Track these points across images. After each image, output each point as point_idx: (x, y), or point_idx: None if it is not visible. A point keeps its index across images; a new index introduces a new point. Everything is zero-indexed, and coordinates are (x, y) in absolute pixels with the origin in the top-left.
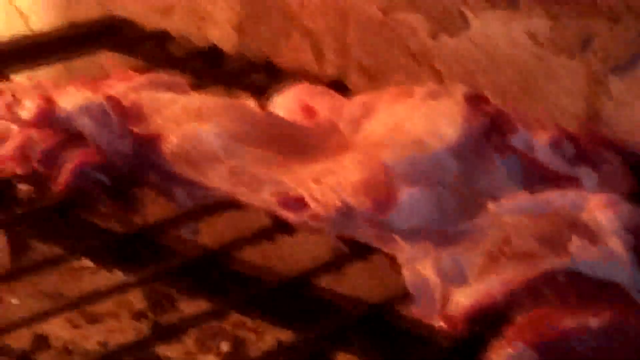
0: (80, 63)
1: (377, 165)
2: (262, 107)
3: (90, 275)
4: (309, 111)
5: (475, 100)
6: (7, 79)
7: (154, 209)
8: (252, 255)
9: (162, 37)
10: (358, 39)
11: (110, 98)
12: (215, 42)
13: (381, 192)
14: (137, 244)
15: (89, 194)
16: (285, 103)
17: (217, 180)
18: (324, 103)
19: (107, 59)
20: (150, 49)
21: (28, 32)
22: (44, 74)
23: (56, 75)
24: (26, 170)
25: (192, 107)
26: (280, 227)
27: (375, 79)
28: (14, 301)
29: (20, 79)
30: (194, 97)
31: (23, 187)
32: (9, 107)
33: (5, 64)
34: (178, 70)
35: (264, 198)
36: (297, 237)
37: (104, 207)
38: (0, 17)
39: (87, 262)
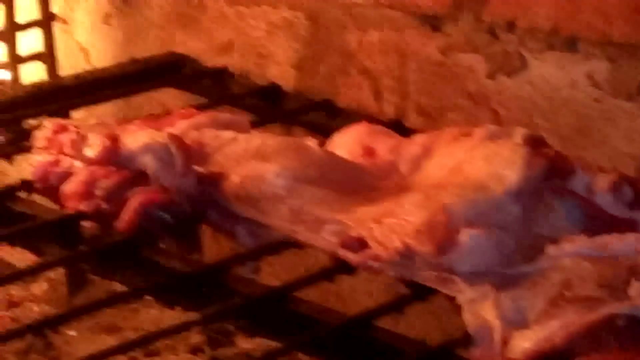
0: (141, 99)
1: (438, 207)
2: (322, 145)
3: (147, 309)
4: (368, 151)
5: (534, 142)
6: (68, 115)
7: (215, 247)
8: (312, 294)
9: (221, 74)
10: (416, 79)
11: (173, 137)
12: (275, 80)
13: (442, 234)
14: (198, 282)
15: (151, 232)
16: (345, 142)
17: (278, 219)
18: (384, 143)
19: (167, 95)
20: (210, 85)
21: (89, 68)
22: (105, 109)
23: (117, 111)
24: (90, 208)
25: (253, 146)
26: (340, 267)
27: (433, 118)
28: (72, 333)
29: (82, 114)
30: (255, 136)
31: (87, 224)
32: (74, 144)
33: (67, 100)
34: (237, 107)
35: (325, 238)
36: (357, 277)
37: (166, 245)
38: (62, 52)
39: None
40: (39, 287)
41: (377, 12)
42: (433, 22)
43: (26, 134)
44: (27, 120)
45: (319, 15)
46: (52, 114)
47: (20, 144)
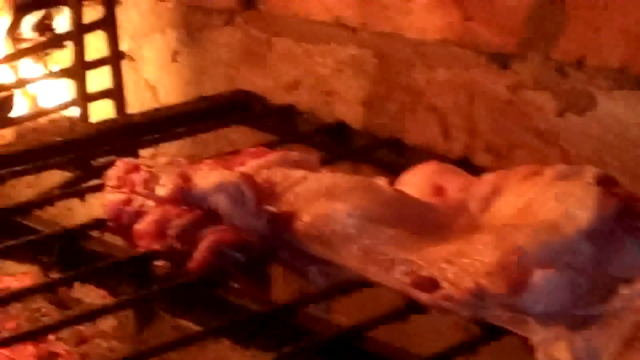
0: (208, 136)
1: (510, 248)
2: (392, 184)
3: (215, 346)
4: (438, 189)
5: (606, 182)
6: (137, 152)
7: (287, 286)
8: (383, 334)
9: (289, 112)
10: (485, 117)
11: (245, 176)
12: (342, 118)
13: (514, 274)
14: (269, 321)
15: (223, 271)
16: (414, 181)
17: (350, 258)
18: (453, 181)
19: (234, 132)
20: (278, 123)
21: (157, 105)
22: (172, 146)
23: (184, 148)
24: (162, 247)
25: (324, 185)
26: (411, 307)
27: (501, 156)
28: None
29: (150, 152)
30: (325, 175)
31: (159, 263)
32: (146, 183)
33: (135, 137)
34: (305, 144)
35: (396, 277)
36: (429, 317)
37: (237, 284)
38: (130, 89)
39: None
40: (108, 323)
41: (445, 50)
42: (501, 60)
43: (95, 172)
44: (96, 158)
45: (387, 54)
46: (120, 151)
47: (89, 182)
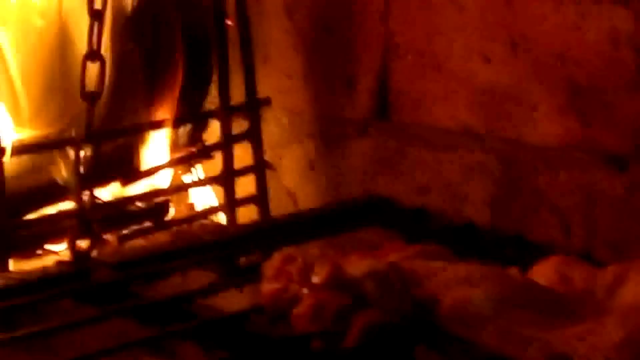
0: (345, 237)
1: (636, 326)
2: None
3: None
4: (564, 279)
5: None
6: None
7: None
8: None
9: (420, 214)
10: (604, 216)
11: (392, 265)
12: (470, 218)
13: None
14: None
15: (374, 350)
16: (542, 271)
17: (487, 338)
18: (578, 271)
19: (368, 234)
20: (410, 224)
21: (296, 210)
22: (311, 247)
23: (322, 248)
24: (318, 328)
25: (461, 273)
26: None
27: (620, 252)
28: None
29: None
30: (461, 265)
31: (316, 344)
32: (301, 272)
33: (277, 238)
34: (436, 242)
35: (532, 355)
36: None
37: None
38: (272, 196)
39: None
40: None
41: (566, 155)
42: (619, 163)
43: (239, 270)
44: (240, 256)
45: (512, 159)
46: (264, 250)
47: (232, 279)
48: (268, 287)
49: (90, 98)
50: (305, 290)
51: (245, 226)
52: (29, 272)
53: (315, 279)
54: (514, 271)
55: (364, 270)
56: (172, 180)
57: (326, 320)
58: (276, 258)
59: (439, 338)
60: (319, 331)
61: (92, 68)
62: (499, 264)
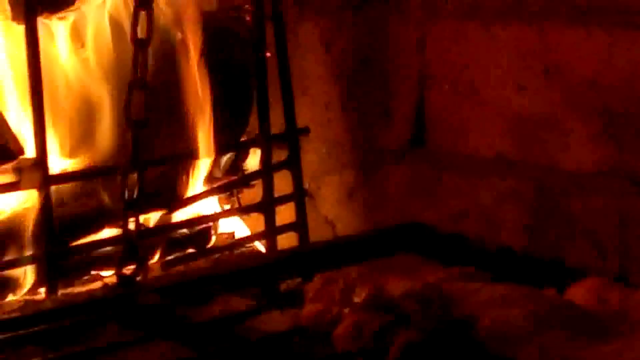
0: (383, 263)
1: None
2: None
3: None
4: (600, 300)
5: None
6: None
7: None
8: None
9: (457, 239)
10: (638, 239)
11: (431, 285)
12: (506, 243)
13: None
14: None
15: None
16: (578, 293)
17: (527, 357)
18: (613, 293)
19: (405, 259)
20: (447, 249)
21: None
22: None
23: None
24: (358, 347)
25: (498, 294)
26: None
27: None
28: None
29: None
30: (498, 286)
31: None
32: (342, 293)
33: (315, 264)
34: (473, 267)
35: None
36: None
37: None
38: (311, 225)
39: None
40: None
41: (600, 180)
42: None
43: (280, 294)
44: (281, 281)
45: (546, 185)
46: (303, 275)
47: (274, 302)
48: (310, 308)
49: (136, 126)
50: (346, 310)
51: (286, 252)
52: (76, 295)
53: (355, 299)
54: (550, 292)
55: (403, 290)
56: (213, 208)
57: (367, 339)
58: (317, 280)
59: (477, 357)
60: (360, 350)
61: (137, 96)
62: (536, 286)
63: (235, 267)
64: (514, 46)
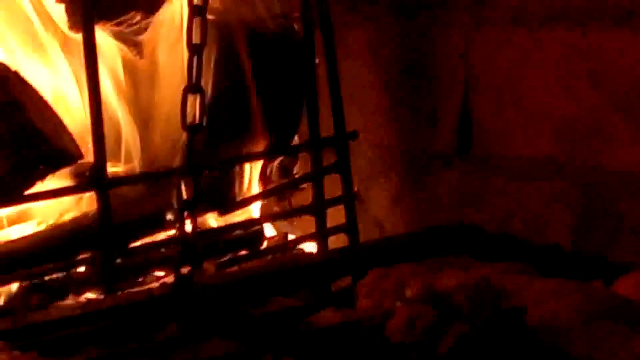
0: (432, 261)
1: None
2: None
3: None
4: None
5: None
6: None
7: None
8: None
9: (505, 239)
10: None
11: (482, 279)
12: (554, 243)
13: None
14: None
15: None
16: (625, 286)
17: (577, 348)
18: None
19: (456, 258)
20: (496, 249)
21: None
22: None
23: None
24: (411, 340)
25: (548, 287)
26: None
27: None
28: None
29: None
30: (547, 280)
31: (410, 355)
32: (395, 287)
33: (367, 262)
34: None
35: None
36: None
37: None
38: (360, 227)
39: None
40: None
41: None
42: None
43: (333, 293)
44: (332, 281)
45: (592, 186)
46: (354, 274)
47: (328, 300)
48: (364, 302)
49: (192, 130)
50: (398, 304)
51: (337, 251)
52: (136, 294)
53: (408, 293)
54: (598, 284)
55: (455, 284)
56: (265, 210)
57: (419, 332)
58: (371, 275)
59: (528, 348)
60: (413, 343)
61: (192, 101)
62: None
63: (289, 267)
64: (559, 51)
